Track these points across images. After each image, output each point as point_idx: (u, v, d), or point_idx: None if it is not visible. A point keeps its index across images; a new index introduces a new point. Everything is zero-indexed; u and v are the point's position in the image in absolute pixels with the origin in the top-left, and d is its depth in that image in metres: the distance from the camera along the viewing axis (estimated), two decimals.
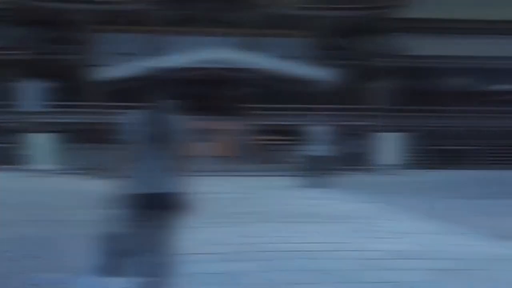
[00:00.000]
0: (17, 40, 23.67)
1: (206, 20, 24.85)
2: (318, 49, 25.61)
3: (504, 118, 24.30)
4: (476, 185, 16.03)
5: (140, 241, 4.02)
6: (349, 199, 11.27)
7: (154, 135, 4.04)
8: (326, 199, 11.22)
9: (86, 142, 20.15)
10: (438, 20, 26.25)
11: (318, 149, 13.94)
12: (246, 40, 24.56)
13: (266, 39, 24.96)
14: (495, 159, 23.60)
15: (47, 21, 23.90)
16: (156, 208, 3.97)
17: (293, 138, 16.78)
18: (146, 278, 3.99)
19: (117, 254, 4.00)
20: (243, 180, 16.04)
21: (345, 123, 21.69)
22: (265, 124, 22.48)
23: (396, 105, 23.76)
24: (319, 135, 14.13)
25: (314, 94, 23.09)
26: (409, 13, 24.82)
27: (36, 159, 20.30)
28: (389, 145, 22.25)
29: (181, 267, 4.20)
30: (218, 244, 6.37)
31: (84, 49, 24.59)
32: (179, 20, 24.41)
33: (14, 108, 22.74)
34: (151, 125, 4.07)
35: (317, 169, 13.80)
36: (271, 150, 21.32)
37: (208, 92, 23.05)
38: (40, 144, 20.65)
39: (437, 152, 23.80)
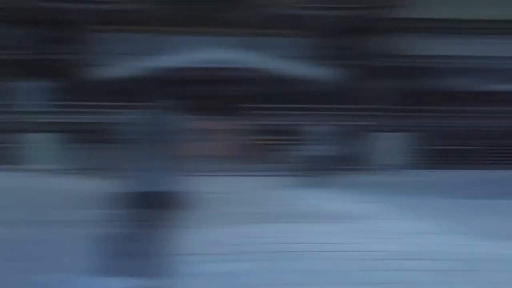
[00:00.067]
0: (17, 40, 23.67)
1: (206, 20, 24.86)
2: (318, 49, 25.61)
3: (505, 118, 24.29)
4: (479, 185, 16.03)
5: (140, 241, 4.01)
6: (350, 199, 11.26)
7: (154, 135, 4.03)
8: (327, 199, 11.21)
9: (86, 141, 20.15)
10: (439, 20, 26.25)
11: (319, 149, 13.95)
12: (246, 40, 24.57)
13: (266, 39, 24.96)
14: (496, 159, 23.58)
15: (47, 20, 23.91)
16: (156, 208, 3.96)
17: (293, 138, 16.78)
18: (146, 278, 3.99)
19: (117, 254, 4.00)
20: (243, 180, 16.05)
21: (345, 123, 21.70)
22: (265, 124, 22.48)
23: (397, 105, 23.78)
24: (320, 135, 14.13)
25: (314, 94, 23.09)
26: (410, 13, 24.82)
27: (35, 159, 20.31)
28: (390, 145, 22.26)
29: (182, 267, 4.20)
30: (219, 244, 6.36)
31: (84, 49, 24.59)
32: (179, 20, 24.40)
33: (13, 107, 22.74)
34: (150, 125, 4.06)
35: (318, 169, 13.80)
36: (271, 150, 21.32)
37: (207, 92, 23.05)
38: (40, 144, 20.65)
39: (438, 152, 23.79)
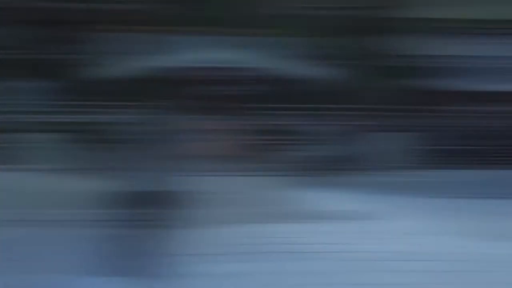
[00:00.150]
0: (16, 40, 23.65)
1: (205, 20, 24.84)
2: (318, 49, 25.60)
3: (506, 118, 24.27)
4: (482, 185, 16.00)
5: (140, 241, 3.99)
6: (351, 199, 11.23)
7: (153, 135, 4.01)
8: (328, 199, 11.18)
9: (85, 141, 20.12)
10: (439, 20, 26.23)
11: (319, 149, 13.93)
12: (246, 39, 24.55)
13: (266, 38, 24.94)
14: (499, 159, 23.54)
15: (46, 20, 23.88)
16: (156, 207, 3.94)
17: (294, 138, 16.77)
18: (146, 278, 3.97)
19: (117, 254, 3.97)
20: (244, 180, 16.03)
21: (346, 123, 21.68)
22: (265, 124, 22.47)
23: (398, 105, 23.76)
24: (320, 135, 14.12)
25: (314, 94, 23.09)
26: (410, 13, 24.79)
27: (35, 159, 20.28)
28: (391, 145, 22.24)
29: (182, 267, 4.17)
30: (220, 244, 6.34)
31: (83, 49, 24.56)
32: (179, 20, 24.37)
33: (13, 107, 22.71)
34: (150, 125, 4.04)
35: (319, 169, 13.78)
36: (272, 150, 21.31)
37: (207, 92, 23.04)
38: (40, 144, 20.62)
39: (440, 152, 23.78)
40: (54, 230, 7.21)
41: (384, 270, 5.22)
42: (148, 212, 3.88)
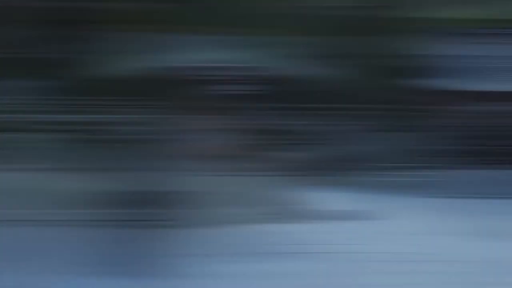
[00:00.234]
0: (16, 39, 23.65)
1: (205, 19, 24.83)
2: (319, 49, 25.59)
3: (506, 117, 24.25)
4: (484, 184, 15.95)
5: (141, 241, 3.97)
6: (354, 199, 11.20)
7: (153, 135, 3.99)
8: (331, 199, 11.16)
9: (85, 141, 20.11)
10: (439, 20, 26.21)
11: (321, 149, 13.91)
12: (246, 39, 24.53)
13: (266, 38, 24.92)
14: (501, 159, 23.49)
15: (47, 19, 23.88)
16: (155, 207, 3.93)
17: (295, 138, 16.74)
18: (148, 278, 3.95)
19: (117, 254, 3.96)
20: (244, 180, 16.00)
21: (347, 123, 21.66)
22: (265, 124, 22.44)
23: (400, 104, 23.73)
24: (322, 135, 14.10)
25: (315, 94, 23.06)
26: (410, 13, 24.77)
27: (35, 158, 20.26)
28: (393, 145, 22.21)
29: (184, 267, 4.16)
30: (222, 244, 6.32)
31: (84, 47, 24.58)
32: (179, 19, 24.37)
33: (13, 106, 22.71)
34: (149, 125, 4.02)
35: (320, 169, 13.76)
36: (272, 150, 21.28)
37: (207, 92, 23.03)
38: (39, 143, 20.61)
39: (442, 152, 23.77)
40: (54, 230, 7.20)
41: (385, 271, 5.21)
42: (147, 212, 3.86)
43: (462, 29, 26.77)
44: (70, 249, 5.86)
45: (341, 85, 23.89)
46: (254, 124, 22.83)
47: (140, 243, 3.85)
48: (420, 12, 25.78)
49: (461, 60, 24.98)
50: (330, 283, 4.74)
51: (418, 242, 6.64)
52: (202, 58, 23.24)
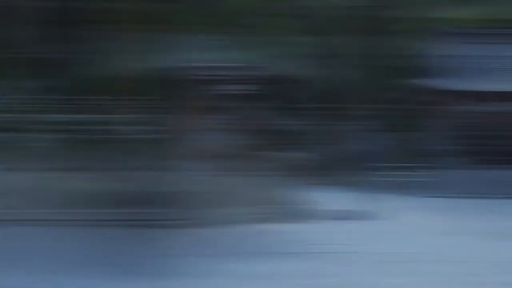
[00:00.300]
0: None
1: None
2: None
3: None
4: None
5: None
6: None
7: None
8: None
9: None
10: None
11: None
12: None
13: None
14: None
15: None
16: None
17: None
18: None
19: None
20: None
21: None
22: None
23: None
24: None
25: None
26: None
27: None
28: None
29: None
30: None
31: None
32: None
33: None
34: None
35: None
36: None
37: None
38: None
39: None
40: (54, 230, 7.18)
41: (385, 271, 5.20)
42: (147, 212, 3.85)
43: (462, 29, 26.74)
44: (70, 249, 5.85)
45: (341, 85, 23.87)
46: (254, 124, 22.83)
47: (140, 243, 3.85)
48: (420, 12, 25.73)
49: (461, 60, 24.96)
50: (330, 283, 4.73)
51: (418, 242, 6.64)
52: (202, 58, 23.24)
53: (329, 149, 14.05)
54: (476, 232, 7.36)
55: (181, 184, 3.76)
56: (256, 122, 22.33)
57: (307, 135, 14.18)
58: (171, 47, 24.98)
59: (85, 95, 24.07)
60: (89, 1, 24.49)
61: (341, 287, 4.77)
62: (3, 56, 24.09)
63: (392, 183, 16.01)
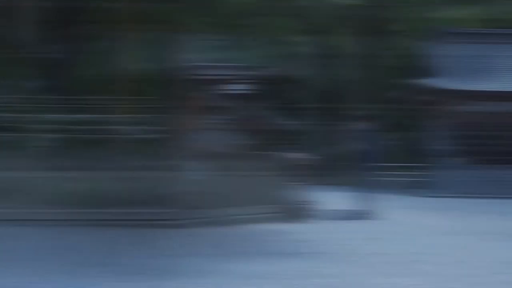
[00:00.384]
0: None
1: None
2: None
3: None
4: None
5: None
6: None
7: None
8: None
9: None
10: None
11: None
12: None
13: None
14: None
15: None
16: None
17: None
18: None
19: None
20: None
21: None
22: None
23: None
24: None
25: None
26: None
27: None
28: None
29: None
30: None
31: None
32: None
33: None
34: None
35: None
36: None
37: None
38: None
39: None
40: (54, 230, 7.18)
41: (385, 271, 5.20)
42: (147, 212, 3.85)
43: (462, 29, 26.69)
44: (70, 249, 5.85)
45: (341, 85, 23.83)
46: (254, 124, 22.81)
47: (140, 243, 3.85)
48: (420, 12, 25.70)
49: (461, 60, 24.91)
50: (330, 283, 4.74)
51: (418, 242, 6.64)
52: (202, 58, 23.20)
53: (329, 149, 14.05)
54: (476, 232, 7.36)
55: (181, 184, 3.76)
56: (256, 122, 22.33)
57: (307, 135, 14.17)
58: (171, 47, 24.96)
59: (85, 95, 24.05)
60: (89, 1, 24.46)
61: (341, 287, 4.76)
62: (3, 56, 24.08)
63: (392, 183, 16.02)
